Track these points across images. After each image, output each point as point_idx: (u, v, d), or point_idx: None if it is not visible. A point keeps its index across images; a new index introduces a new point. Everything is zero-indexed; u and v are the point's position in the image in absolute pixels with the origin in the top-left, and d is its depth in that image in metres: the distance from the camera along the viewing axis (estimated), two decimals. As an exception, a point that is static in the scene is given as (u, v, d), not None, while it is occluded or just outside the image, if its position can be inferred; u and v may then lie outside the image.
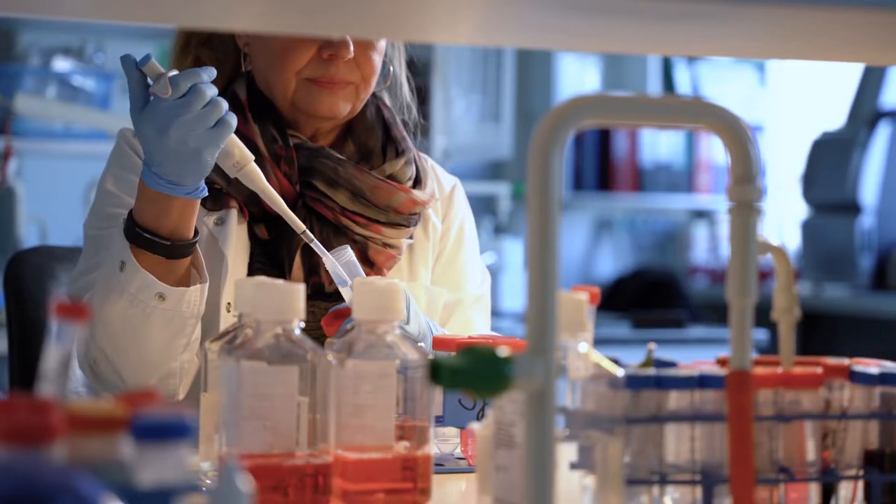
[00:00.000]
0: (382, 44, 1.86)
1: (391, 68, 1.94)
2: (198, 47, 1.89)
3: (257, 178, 1.69)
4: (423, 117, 2.02)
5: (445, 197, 1.99)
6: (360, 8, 1.16)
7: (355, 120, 1.89)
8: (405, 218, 1.87)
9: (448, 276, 1.95)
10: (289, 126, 1.87)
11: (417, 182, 1.91)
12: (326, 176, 1.83)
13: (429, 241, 1.94)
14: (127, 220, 1.68)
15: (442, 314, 1.91)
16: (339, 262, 1.68)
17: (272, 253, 1.82)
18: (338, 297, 1.80)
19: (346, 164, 1.85)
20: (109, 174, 1.85)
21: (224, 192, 1.83)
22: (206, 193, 1.68)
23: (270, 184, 1.80)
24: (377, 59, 1.85)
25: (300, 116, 1.86)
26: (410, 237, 1.90)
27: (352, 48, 1.81)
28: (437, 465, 1.46)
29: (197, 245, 1.70)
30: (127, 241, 1.66)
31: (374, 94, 1.92)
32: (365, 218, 1.84)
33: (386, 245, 1.86)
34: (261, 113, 1.85)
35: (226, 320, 1.75)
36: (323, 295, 1.82)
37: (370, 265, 1.84)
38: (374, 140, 1.90)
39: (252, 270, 1.80)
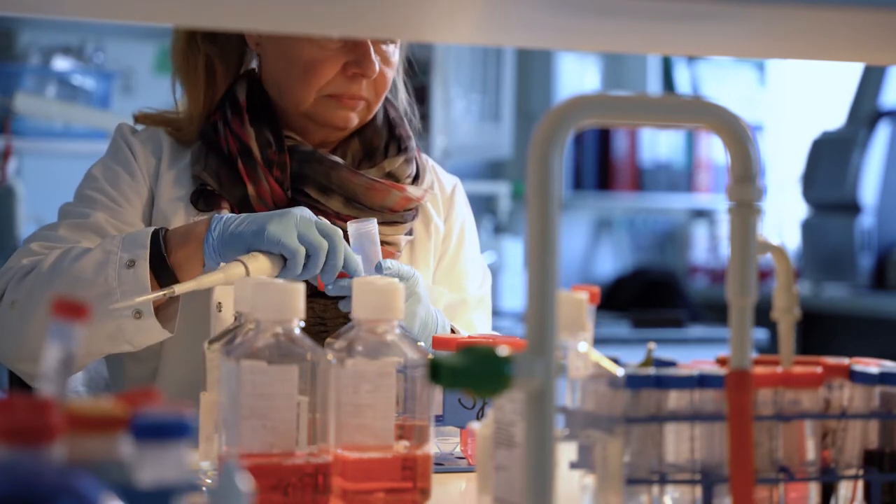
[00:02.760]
0: (396, 58, 1.86)
1: None
2: (204, 42, 1.89)
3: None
4: (423, 117, 2.03)
5: (447, 197, 1.99)
6: (360, 7, 1.16)
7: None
8: (400, 215, 1.87)
9: (450, 277, 1.95)
10: (290, 128, 1.87)
11: (416, 180, 1.91)
12: (318, 182, 1.83)
13: (430, 240, 1.94)
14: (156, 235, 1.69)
15: (445, 315, 1.91)
16: (359, 231, 1.69)
17: None
18: (336, 297, 1.81)
19: (340, 167, 1.84)
20: (100, 162, 1.88)
21: (216, 193, 1.83)
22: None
23: (262, 189, 1.81)
24: (390, 75, 1.85)
25: (311, 125, 1.86)
26: (409, 233, 1.91)
27: (377, 67, 1.81)
28: (436, 464, 1.46)
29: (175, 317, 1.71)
30: (150, 242, 1.67)
31: None
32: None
33: (384, 243, 1.86)
34: (258, 115, 1.85)
35: (216, 320, 1.75)
36: (322, 294, 1.82)
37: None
38: (379, 139, 1.90)
39: None
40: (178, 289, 1.59)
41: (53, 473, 0.73)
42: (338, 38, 1.80)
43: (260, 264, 1.61)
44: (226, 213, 1.70)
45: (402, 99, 1.97)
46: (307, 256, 1.61)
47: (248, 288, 1.30)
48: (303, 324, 1.27)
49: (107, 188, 1.82)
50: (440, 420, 1.52)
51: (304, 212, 1.65)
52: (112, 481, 0.80)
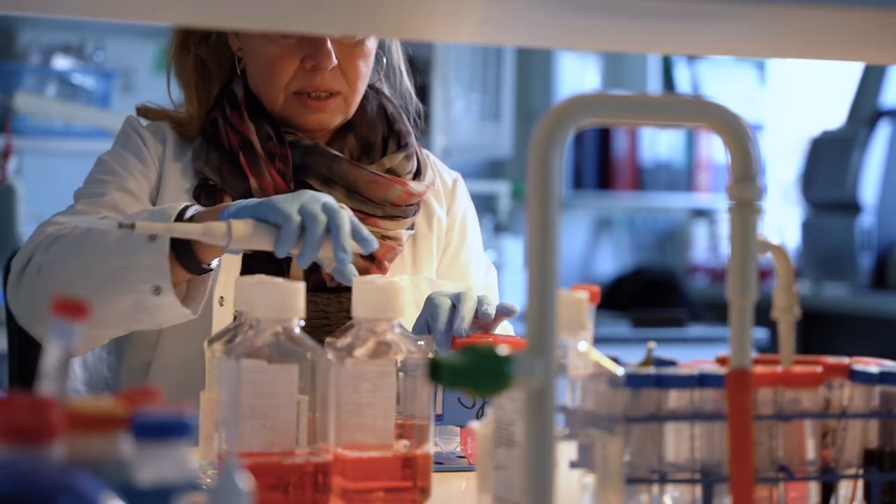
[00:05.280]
0: (370, 45, 1.86)
1: (385, 59, 1.94)
2: (196, 45, 1.90)
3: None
4: (423, 116, 2.02)
5: (448, 190, 2.00)
6: (362, 6, 1.16)
7: (356, 115, 1.90)
8: (402, 210, 1.87)
9: (454, 268, 1.95)
10: (284, 125, 1.87)
11: (417, 175, 1.91)
12: (320, 174, 1.83)
13: (433, 233, 1.94)
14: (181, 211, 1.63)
15: None
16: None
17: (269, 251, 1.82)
18: (339, 290, 1.81)
19: (341, 160, 1.85)
20: (110, 150, 1.88)
21: (218, 188, 1.83)
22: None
23: (264, 182, 1.81)
24: (363, 66, 1.84)
25: (291, 125, 1.86)
26: (411, 227, 1.91)
27: (334, 58, 1.81)
28: (436, 463, 1.46)
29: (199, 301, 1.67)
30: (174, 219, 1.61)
31: (375, 89, 1.93)
32: (361, 213, 1.84)
33: (385, 237, 1.86)
34: (257, 111, 1.86)
35: (218, 314, 1.75)
36: (325, 289, 1.82)
37: (371, 260, 1.84)
38: (375, 134, 1.90)
39: (248, 267, 1.80)
40: (140, 226, 1.51)
41: (53, 472, 0.73)
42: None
43: (245, 226, 1.53)
44: None
45: (406, 81, 1.97)
46: (303, 228, 1.54)
47: (249, 286, 1.30)
48: (303, 323, 1.27)
49: (119, 171, 1.83)
50: (440, 419, 1.52)
51: (320, 195, 1.59)
52: (112, 480, 0.80)
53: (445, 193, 1.99)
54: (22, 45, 4.34)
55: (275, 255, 1.55)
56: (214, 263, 1.65)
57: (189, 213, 1.63)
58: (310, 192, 1.58)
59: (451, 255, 1.96)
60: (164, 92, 1.96)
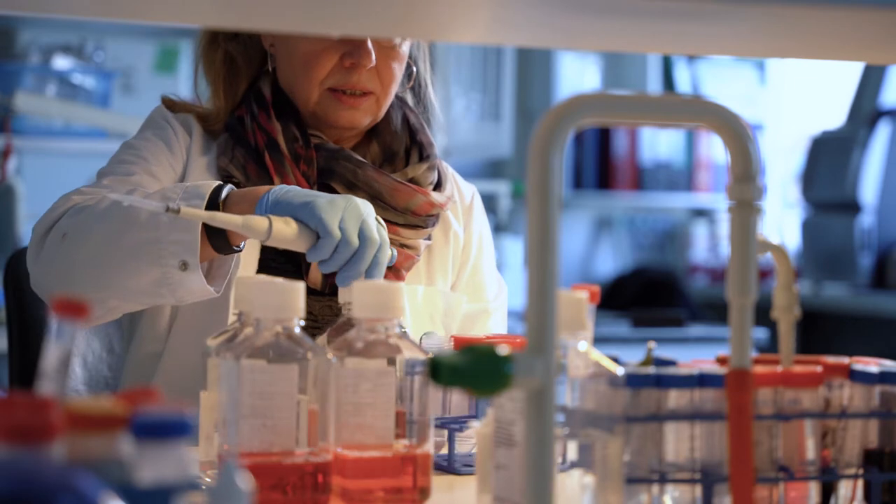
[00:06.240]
0: (405, 50, 1.86)
1: (415, 69, 1.94)
2: (226, 41, 1.89)
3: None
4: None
5: (466, 206, 2.00)
6: (371, 7, 1.16)
7: (380, 123, 1.90)
8: (422, 219, 1.87)
9: (468, 287, 1.96)
10: (311, 127, 1.87)
11: (438, 187, 1.91)
12: (345, 178, 1.83)
13: (449, 246, 1.94)
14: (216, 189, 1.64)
15: (464, 324, 1.92)
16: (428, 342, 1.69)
17: (288, 251, 1.82)
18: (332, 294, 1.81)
19: (366, 166, 1.85)
20: (138, 135, 1.88)
21: (242, 186, 1.83)
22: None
23: (288, 183, 1.81)
24: (397, 68, 1.85)
25: (324, 127, 1.86)
26: (428, 238, 1.91)
27: (374, 57, 1.81)
28: (465, 465, 1.47)
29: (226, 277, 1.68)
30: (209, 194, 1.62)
31: (400, 99, 1.93)
32: (383, 219, 1.84)
33: (403, 246, 1.86)
34: (284, 111, 1.86)
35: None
36: (315, 292, 1.81)
37: (389, 268, 1.84)
38: (399, 143, 1.90)
39: (265, 268, 1.80)
40: (185, 212, 1.53)
41: (53, 472, 0.73)
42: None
43: (287, 228, 1.57)
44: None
45: (430, 93, 1.97)
46: (336, 246, 1.58)
47: (249, 286, 1.30)
48: (303, 322, 1.27)
49: (147, 156, 1.82)
50: (474, 419, 1.51)
51: (365, 205, 1.61)
52: (112, 480, 0.80)
53: (463, 209, 1.99)
54: (22, 45, 4.34)
55: (306, 257, 1.59)
56: (244, 245, 1.66)
57: (224, 193, 1.64)
58: (354, 203, 1.60)
59: (468, 272, 1.97)
60: (164, 92, 1.96)
